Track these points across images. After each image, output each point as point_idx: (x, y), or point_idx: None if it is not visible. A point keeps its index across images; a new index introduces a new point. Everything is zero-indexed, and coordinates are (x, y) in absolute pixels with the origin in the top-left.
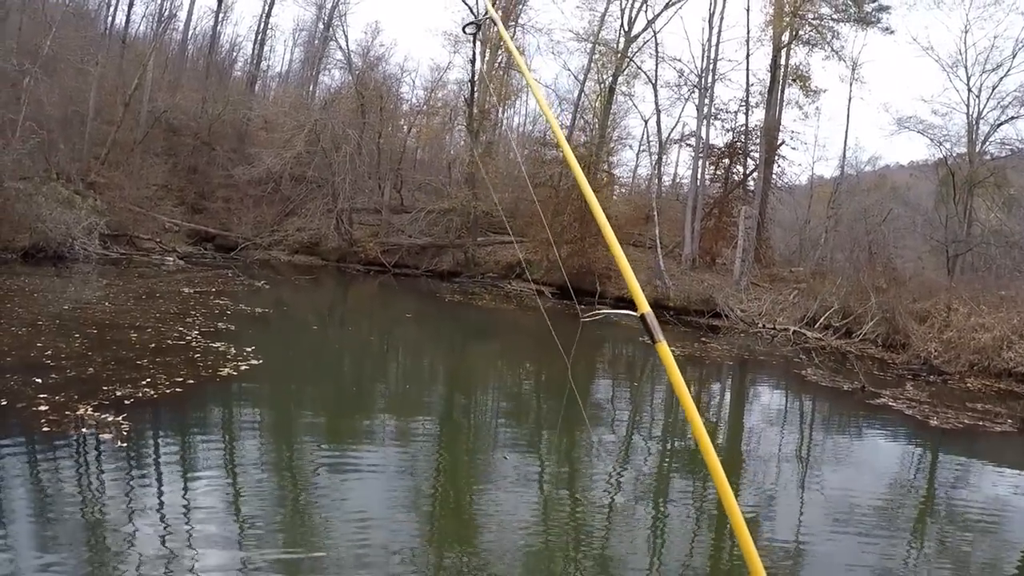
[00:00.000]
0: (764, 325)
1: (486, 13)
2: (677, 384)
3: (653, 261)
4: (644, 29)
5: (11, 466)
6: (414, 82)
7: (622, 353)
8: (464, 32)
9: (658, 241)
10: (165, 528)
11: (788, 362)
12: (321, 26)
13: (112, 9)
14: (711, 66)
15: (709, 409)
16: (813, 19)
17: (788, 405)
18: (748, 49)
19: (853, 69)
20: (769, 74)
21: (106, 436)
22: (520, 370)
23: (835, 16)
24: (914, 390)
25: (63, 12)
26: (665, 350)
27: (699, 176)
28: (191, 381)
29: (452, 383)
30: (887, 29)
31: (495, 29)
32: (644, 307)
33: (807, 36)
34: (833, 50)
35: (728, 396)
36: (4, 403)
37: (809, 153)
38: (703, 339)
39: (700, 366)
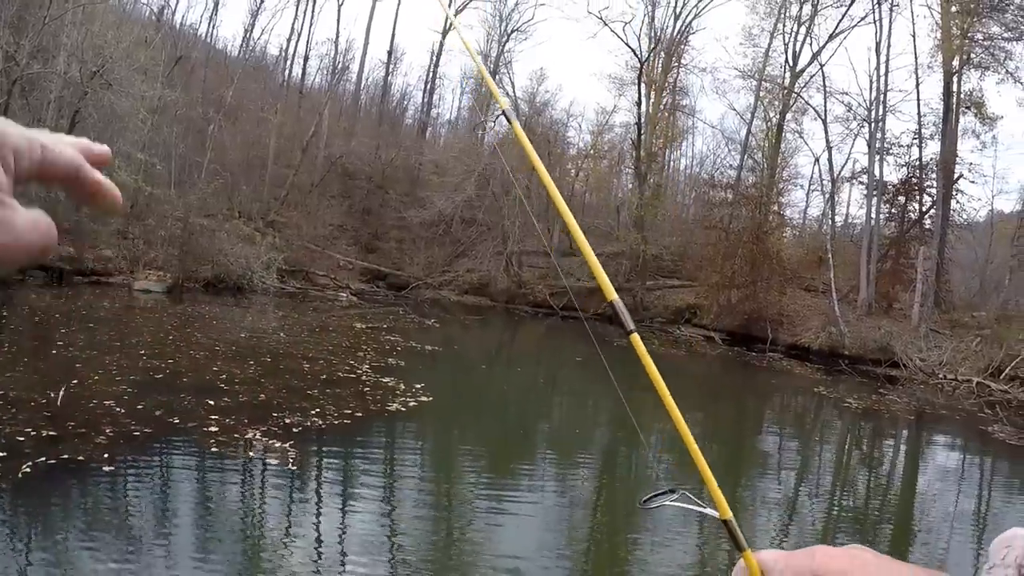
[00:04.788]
0: (945, 376)
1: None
2: (651, 371)
3: (827, 306)
4: (810, 63)
5: (180, 481)
6: (580, 126)
7: (791, 403)
8: None
9: (832, 285)
10: (319, 556)
11: (971, 417)
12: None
13: (289, 63)
14: (880, 97)
15: (882, 467)
16: (983, 40)
17: (968, 465)
18: (917, 77)
19: None
20: (942, 102)
21: (273, 461)
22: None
23: (1006, 35)
24: None
25: (243, 66)
26: (637, 340)
27: (873, 215)
28: (359, 414)
29: (616, 430)
30: None
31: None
32: (611, 295)
33: (979, 59)
34: (1008, 72)
35: (903, 454)
36: (177, 421)
37: (988, 187)
38: (880, 390)
39: (876, 419)
